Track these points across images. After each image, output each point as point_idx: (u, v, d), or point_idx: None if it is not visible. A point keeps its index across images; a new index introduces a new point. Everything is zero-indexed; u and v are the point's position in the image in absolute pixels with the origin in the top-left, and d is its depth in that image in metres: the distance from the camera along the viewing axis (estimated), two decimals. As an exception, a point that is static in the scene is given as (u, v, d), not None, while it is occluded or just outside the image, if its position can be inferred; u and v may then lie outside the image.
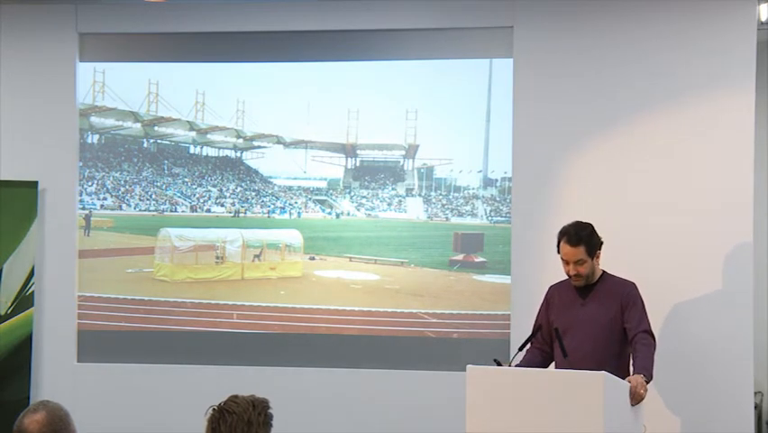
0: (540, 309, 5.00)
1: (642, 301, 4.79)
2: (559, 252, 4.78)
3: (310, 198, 6.59)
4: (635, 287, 4.82)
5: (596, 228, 4.82)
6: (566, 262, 4.77)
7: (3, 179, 6.39)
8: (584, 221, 4.83)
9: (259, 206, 6.62)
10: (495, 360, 4.51)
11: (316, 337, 6.32)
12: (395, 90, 6.34)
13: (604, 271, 4.86)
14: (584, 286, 4.80)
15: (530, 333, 4.88)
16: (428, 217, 6.44)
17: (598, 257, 4.78)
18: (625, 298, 4.75)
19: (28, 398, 6.19)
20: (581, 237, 4.73)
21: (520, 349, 4.74)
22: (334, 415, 6.15)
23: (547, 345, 4.91)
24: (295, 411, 5.94)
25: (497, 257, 6.20)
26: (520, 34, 6.01)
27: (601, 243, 4.79)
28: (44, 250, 6.43)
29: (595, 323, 4.73)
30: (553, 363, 4.92)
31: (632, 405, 4.30)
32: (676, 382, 5.57)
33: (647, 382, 4.41)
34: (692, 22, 5.78)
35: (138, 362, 6.40)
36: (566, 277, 4.85)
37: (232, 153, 6.65)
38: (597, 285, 4.81)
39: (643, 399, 4.34)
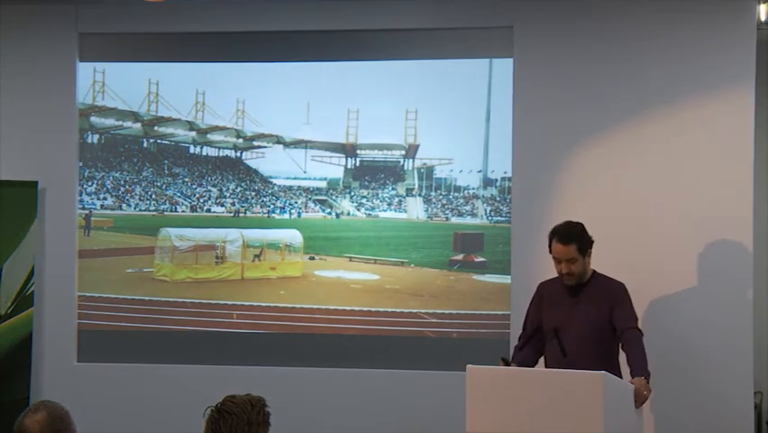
0: (531, 306, 5.01)
1: (629, 299, 4.82)
2: (551, 251, 4.81)
3: (310, 198, 6.59)
4: (624, 287, 4.86)
5: (592, 228, 4.84)
6: (558, 261, 4.79)
7: (3, 179, 6.39)
8: (574, 221, 4.85)
9: (259, 206, 6.61)
10: (503, 358, 4.55)
11: (316, 337, 6.32)
12: (395, 90, 6.34)
13: (594, 271, 4.88)
14: (575, 285, 4.81)
15: (523, 329, 4.90)
16: (428, 217, 6.44)
17: (589, 255, 4.80)
18: (614, 298, 4.78)
19: (28, 398, 6.19)
20: (573, 235, 4.76)
21: (519, 349, 4.74)
22: (334, 415, 6.15)
23: (540, 343, 4.91)
24: (295, 411, 5.93)
25: (497, 257, 6.20)
26: (520, 34, 6.01)
27: (592, 241, 4.82)
28: (44, 250, 6.43)
29: (587, 322, 4.75)
30: (542, 361, 4.93)
31: (636, 407, 4.32)
32: (676, 382, 5.57)
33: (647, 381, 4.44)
34: (692, 21, 5.78)
35: (138, 362, 6.40)
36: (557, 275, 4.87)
37: (232, 153, 6.65)
38: (588, 284, 4.83)
39: (646, 400, 4.37)
